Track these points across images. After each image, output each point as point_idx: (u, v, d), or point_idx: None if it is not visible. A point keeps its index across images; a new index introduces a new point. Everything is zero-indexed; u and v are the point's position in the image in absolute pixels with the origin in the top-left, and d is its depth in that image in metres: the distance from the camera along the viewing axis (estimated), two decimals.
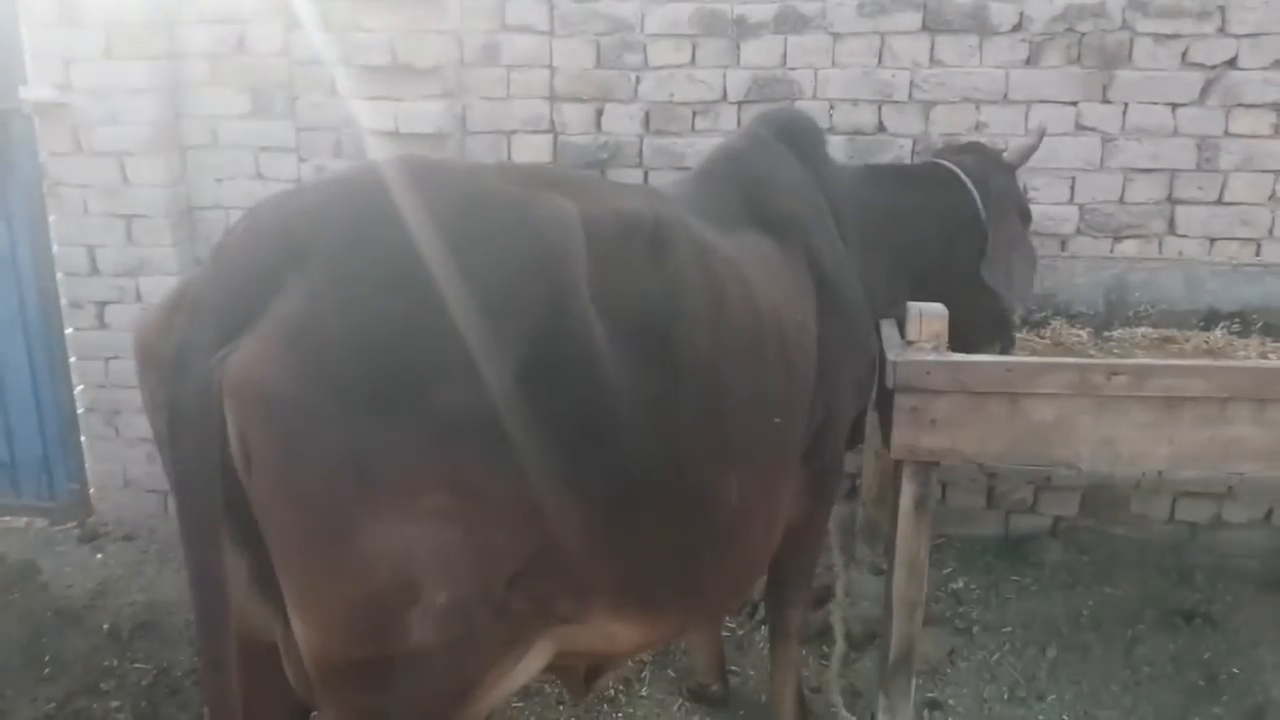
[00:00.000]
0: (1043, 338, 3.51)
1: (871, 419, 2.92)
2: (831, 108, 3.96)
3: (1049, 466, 3.57)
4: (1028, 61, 3.85)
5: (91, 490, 4.49)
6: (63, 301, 4.30)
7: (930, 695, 3.26)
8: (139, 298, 4.19)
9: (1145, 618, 3.65)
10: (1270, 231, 3.89)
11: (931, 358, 2.47)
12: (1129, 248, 3.96)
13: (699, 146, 3.93)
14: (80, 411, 4.41)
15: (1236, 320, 3.51)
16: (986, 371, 2.45)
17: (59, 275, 4.28)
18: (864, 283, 2.80)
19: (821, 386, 2.51)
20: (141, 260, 4.17)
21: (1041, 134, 3.40)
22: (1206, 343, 3.41)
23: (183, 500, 1.63)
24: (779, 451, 2.35)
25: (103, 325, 4.26)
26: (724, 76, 3.98)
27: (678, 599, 2.21)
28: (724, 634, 3.46)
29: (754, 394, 2.20)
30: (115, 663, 3.42)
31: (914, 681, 2.75)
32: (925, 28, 3.87)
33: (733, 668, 3.37)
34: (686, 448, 2.03)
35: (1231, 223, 3.90)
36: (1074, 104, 3.87)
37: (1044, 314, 3.60)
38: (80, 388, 4.39)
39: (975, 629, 3.61)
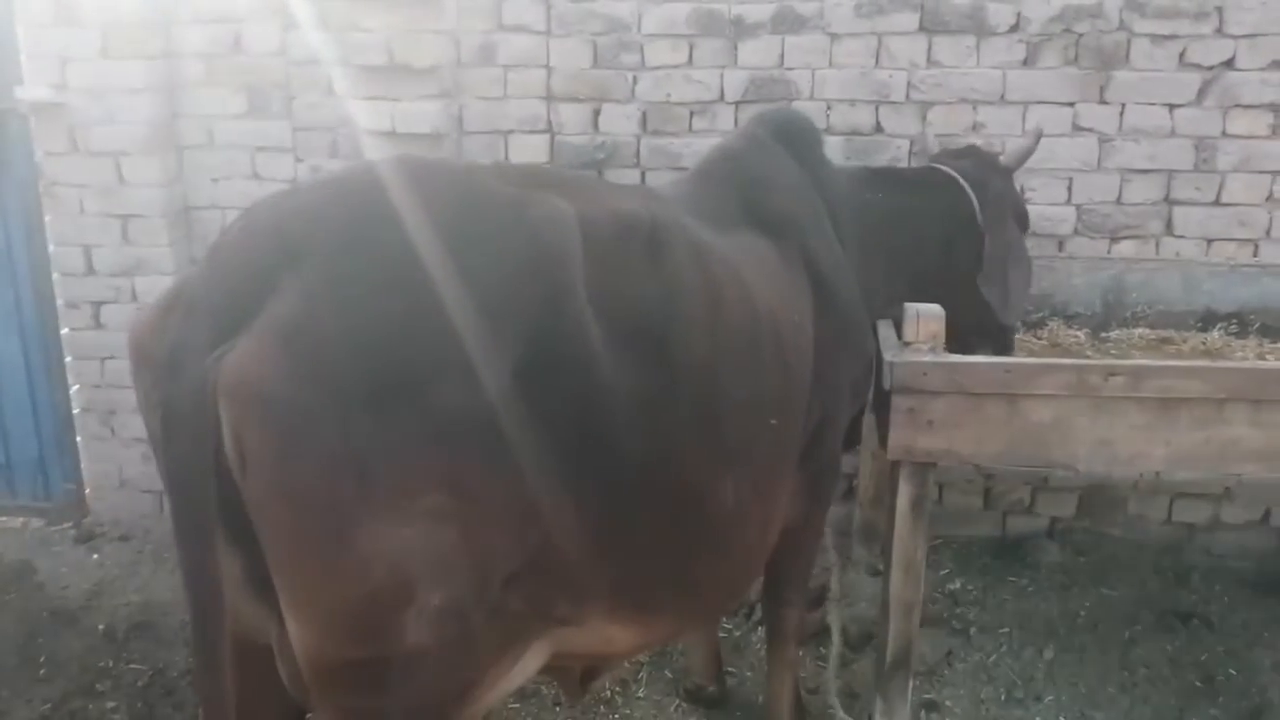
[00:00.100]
0: (1040, 338, 3.51)
1: (868, 420, 2.91)
2: (829, 108, 3.96)
3: (1046, 468, 3.57)
4: (1025, 62, 3.86)
5: (87, 490, 4.48)
6: (59, 301, 4.29)
7: (927, 696, 3.26)
8: (135, 298, 4.18)
9: (1142, 619, 3.65)
10: (1267, 232, 3.90)
11: (928, 359, 2.47)
12: (1126, 248, 3.96)
13: (696, 147, 3.93)
14: (76, 412, 4.41)
15: (1234, 321, 3.52)
16: (983, 372, 2.45)
17: (55, 275, 4.27)
18: (861, 284, 2.80)
19: (818, 388, 2.51)
20: (137, 260, 4.16)
21: (1038, 136, 3.40)
22: (1204, 344, 3.42)
23: (177, 500, 1.62)
24: (776, 452, 2.34)
25: (99, 325, 4.25)
26: (721, 77, 3.98)
27: (674, 600, 2.21)
28: (721, 635, 3.45)
29: (751, 395, 2.20)
30: (111, 663, 3.42)
31: (911, 682, 2.75)
32: (922, 28, 3.87)
33: (729, 669, 3.37)
34: (683, 449, 2.02)
35: (1229, 223, 3.91)
36: (1071, 105, 3.87)
37: (1041, 314, 3.60)
38: (76, 388, 4.38)
39: (972, 630, 3.60)
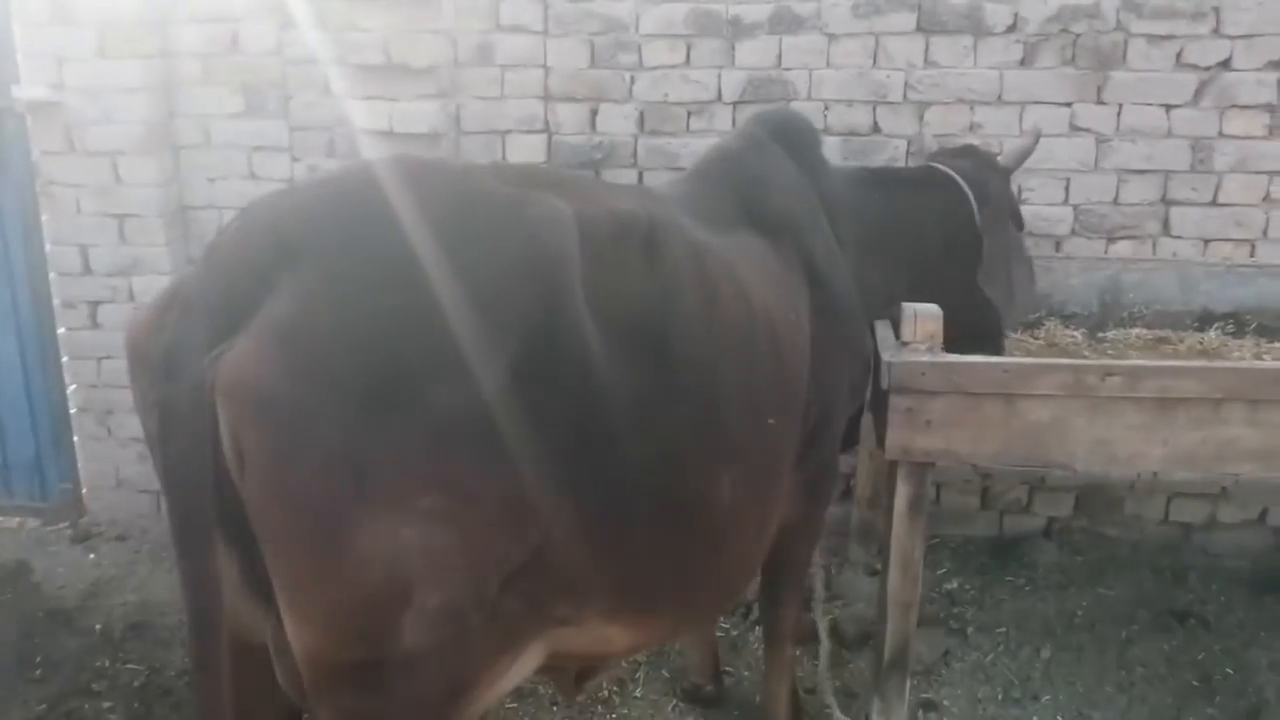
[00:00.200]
0: (1037, 338, 3.51)
1: (866, 420, 2.91)
2: (826, 108, 3.96)
3: (1044, 467, 3.57)
4: (1022, 62, 3.86)
5: (84, 490, 4.47)
6: (55, 301, 4.29)
7: (925, 696, 3.26)
8: (132, 297, 4.17)
9: (1139, 618, 3.65)
10: (1264, 232, 3.90)
11: (926, 359, 2.47)
12: (1123, 249, 3.96)
13: (693, 147, 3.92)
14: (73, 411, 4.40)
15: (1231, 321, 3.52)
16: (981, 372, 2.45)
17: (52, 275, 4.26)
18: (858, 284, 2.80)
19: (816, 387, 2.51)
20: (134, 260, 4.15)
21: (1037, 137, 3.41)
22: (1201, 344, 3.41)
23: (174, 501, 1.62)
24: (773, 452, 2.34)
25: (95, 325, 4.24)
26: (719, 77, 3.98)
27: (672, 600, 2.20)
28: (718, 635, 3.45)
29: (748, 395, 2.20)
30: (107, 663, 3.41)
31: (909, 682, 2.75)
32: (920, 29, 3.87)
33: (727, 668, 3.37)
34: (680, 448, 2.02)
35: (1225, 224, 3.91)
36: (1068, 105, 3.87)
37: (1038, 315, 3.60)
38: (73, 387, 4.37)
39: (970, 630, 3.61)
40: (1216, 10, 3.72)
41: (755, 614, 3.56)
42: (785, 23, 3.91)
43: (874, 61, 3.91)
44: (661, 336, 1.98)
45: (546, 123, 4.07)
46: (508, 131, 4.07)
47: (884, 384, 2.48)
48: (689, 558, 2.13)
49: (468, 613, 1.73)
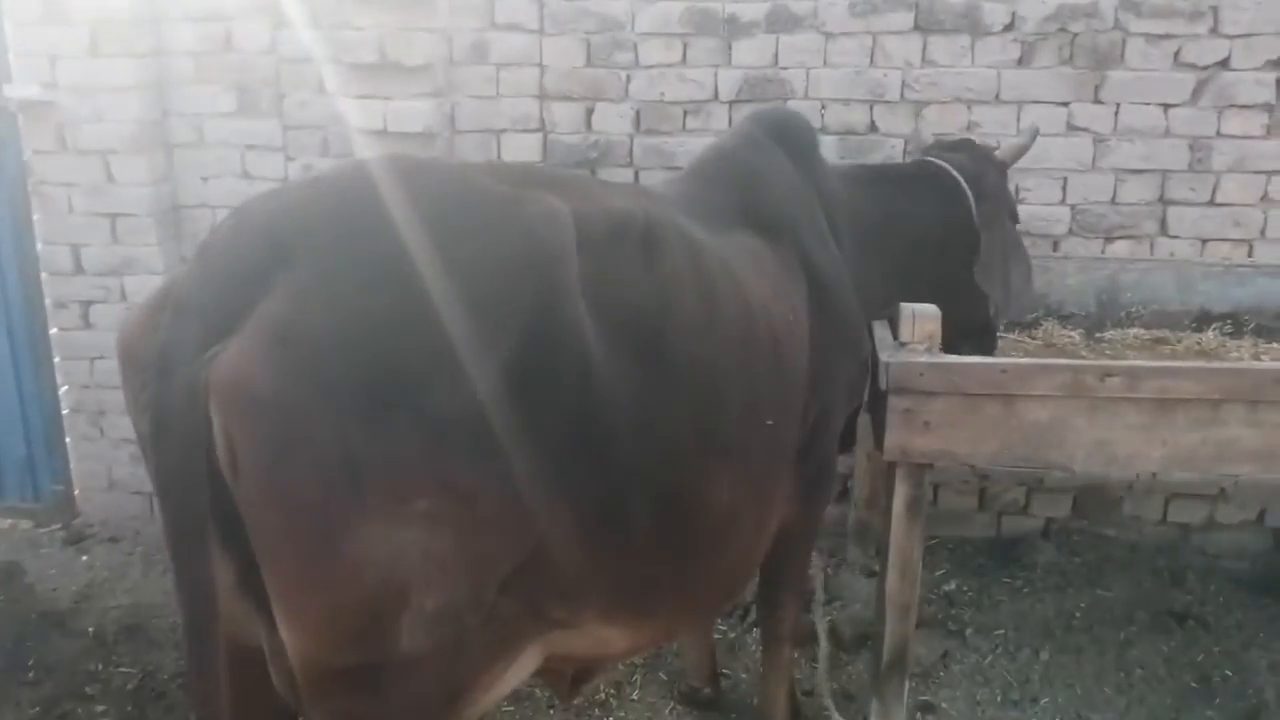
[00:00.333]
0: (1034, 338, 3.50)
1: (864, 420, 2.90)
2: (823, 107, 3.95)
3: (1043, 468, 3.56)
4: (1020, 62, 3.85)
5: (76, 492, 4.45)
6: (47, 301, 4.27)
7: (923, 698, 3.25)
8: (124, 297, 4.16)
9: (1138, 619, 3.64)
10: (1262, 232, 3.90)
11: (925, 359, 2.46)
12: (1121, 249, 3.96)
13: (690, 146, 3.92)
14: (65, 412, 4.38)
15: (1229, 321, 3.52)
16: (980, 373, 2.44)
17: (43, 274, 4.24)
18: (856, 283, 2.78)
19: (814, 387, 2.50)
20: (126, 259, 4.13)
21: (1034, 134, 3.40)
22: (1199, 344, 3.41)
23: (168, 503, 1.60)
24: (772, 452, 2.33)
25: (87, 325, 4.23)
26: (715, 76, 3.97)
27: (669, 602, 2.19)
28: (716, 636, 3.44)
29: (746, 394, 2.19)
30: (100, 666, 3.39)
31: (907, 684, 2.73)
32: (917, 27, 3.86)
33: (724, 670, 3.36)
34: (679, 448, 2.01)
35: (1223, 224, 3.91)
36: (1066, 104, 3.87)
37: (1036, 315, 3.59)
38: (65, 388, 4.35)
39: (968, 631, 3.60)
40: (1215, 10, 3.72)
41: (753, 616, 3.55)
42: (782, 21, 3.90)
43: (871, 60, 3.90)
44: (659, 336, 1.97)
45: (542, 122, 4.05)
46: (503, 130, 4.06)
47: (882, 384, 2.47)
48: (687, 559, 2.12)
49: (465, 615, 1.71)
